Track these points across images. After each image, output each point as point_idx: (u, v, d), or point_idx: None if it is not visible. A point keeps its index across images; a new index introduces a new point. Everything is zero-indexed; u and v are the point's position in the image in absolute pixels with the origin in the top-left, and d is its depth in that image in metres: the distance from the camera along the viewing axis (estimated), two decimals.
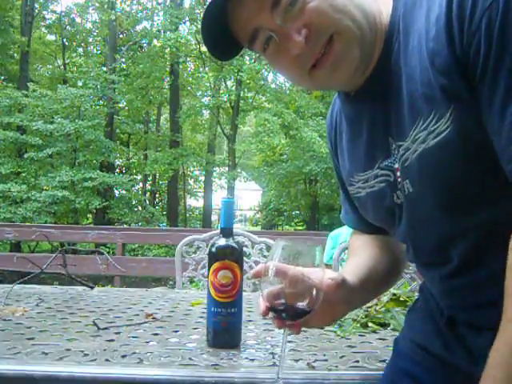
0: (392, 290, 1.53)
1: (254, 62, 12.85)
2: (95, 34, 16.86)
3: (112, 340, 1.20)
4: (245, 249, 2.34)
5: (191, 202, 19.69)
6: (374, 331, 1.36)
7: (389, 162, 0.81)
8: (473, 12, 0.62)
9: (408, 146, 0.74)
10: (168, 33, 12.73)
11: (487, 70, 0.62)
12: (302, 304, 0.80)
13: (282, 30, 0.73)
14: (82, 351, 1.10)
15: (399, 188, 0.80)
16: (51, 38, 16.93)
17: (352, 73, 0.76)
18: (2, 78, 14.25)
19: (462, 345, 0.76)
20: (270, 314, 0.82)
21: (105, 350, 1.12)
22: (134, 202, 14.13)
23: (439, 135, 0.68)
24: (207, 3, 0.74)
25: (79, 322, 1.38)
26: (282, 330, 0.84)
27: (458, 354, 0.76)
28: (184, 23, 13.64)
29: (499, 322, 0.62)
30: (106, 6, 14.31)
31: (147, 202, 16.13)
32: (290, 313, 0.80)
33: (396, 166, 0.79)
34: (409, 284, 2.36)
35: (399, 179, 0.79)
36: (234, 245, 1.20)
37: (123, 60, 15.46)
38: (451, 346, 0.79)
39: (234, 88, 14.02)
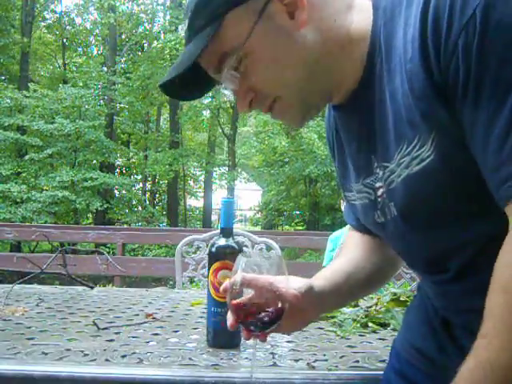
0: (392, 290, 1.54)
1: None
2: (95, 34, 16.86)
3: (112, 340, 1.20)
4: (245, 249, 2.34)
5: (191, 201, 19.69)
6: (374, 331, 1.36)
7: (370, 180, 0.79)
8: (449, 32, 0.59)
9: (393, 168, 0.72)
10: (168, 34, 12.72)
11: (467, 95, 0.59)
12: (269, 314, 0.80)
13: None
14: (82, 351, 1.10)
15: (379, 208, 0.79)
16: (51, 37, 16.92)
17: (304, 116, 0.79)
18: (3, 78, 14.25)
19: (456, 346, 0.76)
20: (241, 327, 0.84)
21: (105, 350, 1.12)
22: (134, 202, 14.14)
23: (423, 161, 0.66)
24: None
25: (79, 322, 1.38)
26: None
27: (453, 356, 0.75)
28: (184, 24, 13.63)
29: None
30: (105, 6, 14.29)
31: (147, 202, 16.13)
32: (258, 324, 0.81)
33: (377, 184, 0.78)
34: (409, 284, 2.36)
35: (379, 199, 0.78)
36: (233, 245, 1.20)
37: (123, 60, 15.46)
38: (445, 347, 0.78)
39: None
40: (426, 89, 0.63)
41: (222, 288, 0.84)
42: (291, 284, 0.83)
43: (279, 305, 0.81)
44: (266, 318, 0.80)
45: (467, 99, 0.59)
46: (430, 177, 0.66)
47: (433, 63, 0.61)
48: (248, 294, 0.82)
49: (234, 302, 0.82)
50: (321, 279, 0.91)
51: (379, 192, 0.77)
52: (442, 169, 0.65)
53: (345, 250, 1.02)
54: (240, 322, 0.82)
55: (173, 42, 12.36)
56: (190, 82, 0.78)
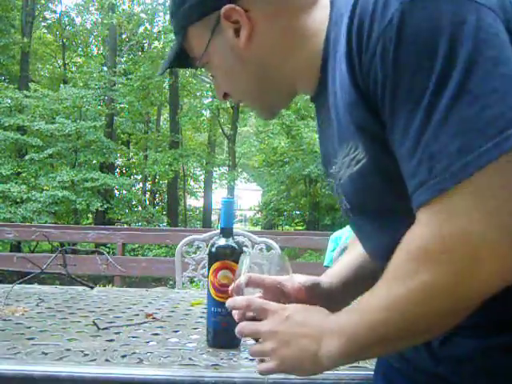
0: None
1: None
2: (95, 34, 16.87)
3: (112, 340, 1.20)
4: (245, 249, 2.34)
5: (191, 201, 19.69)
6: None
7: (332, 169, 0.81)
8: (368, 39, 0.59)
9: (340, 165, 0.74)
10: (169, 34, 12.70)
11: (385, 103, 0.60)
12: None
13: None
14: (82, 351, 1.10)
15: (339, 199, 0.81)
16: (51, 38, 16.93)
17: (269, 111, 0.87)
18: (3, 78, 14.25)
19: (426, 346, 0.75)
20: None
21: (105, 350, 1.12)
22: (134, 202, 14.14)
23: (359, 163, 0.69)
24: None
25: (79, 321, 1.38)
26: None
27: (424, 355, 0.75)
28: None
29: (463, 324, 0.62)
30: (106, 6, 14.29)
31: (147, 202, 16.13)
32: None
33: (335, 177, 0.80)
34: None
35: (337, 191, 0.80)
36: (233, 245, 1.20)
37: (123, 60, 15.46)
38: (418, 346, 0.78)
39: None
40: (352, 96, 0.64)
41: (231, 290, 0.84)
42: (296, 279, 0.84)
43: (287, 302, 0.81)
44: None
45: (385, 108, 0.60)
46: (366, 176, 0.69)
47: (357, 71, 0.62)
48: (250, 294, 0.82)
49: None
50: (328, 275, 0.92)
51: (335, 185, 0.80)
52: (375, 170, 0.66)
53: (353, 244, 1.03)
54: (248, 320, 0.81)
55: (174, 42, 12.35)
56: (183, 65, 0.89)
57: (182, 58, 0.84)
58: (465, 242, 0.53)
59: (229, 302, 0.81)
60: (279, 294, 0.82)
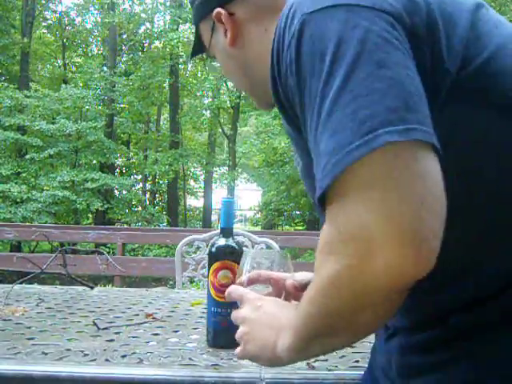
0: None
1: None
2: (95, 34, 16.87)
3: (112, 340, 1.20)
4: (245, 249, 2.33)
5: (191, 201, 19.68)
6: None
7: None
8: (283, 51, 0.63)
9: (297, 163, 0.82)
10: (170, 33, 12.69)
11: (296, 109, 0.63)
12: None
13: None
14: (82, 351, 1.10)
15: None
16: (51, 38, 16.93)
17: (267, 104, 0.90)
18: (3, 78, 14.25)
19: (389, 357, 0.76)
20: None
21: (105, 350, 1.12)
22: (134, 202, 14.14)
23: (302, 160, 0.74)
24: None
25: (79, 321, 1.38)
26: None
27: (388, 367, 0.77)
28: (186, 23, 13.62)
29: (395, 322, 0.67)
30: (106, 6, 14.29)
31: (147, 202, 16.13)
32: None
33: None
34: None
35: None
36: (233, 245, 1.20)
37: (123, 60, 15.46)
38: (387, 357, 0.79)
39: (234, 88, 14.02)
40: (280, 104, 0.68)
41: (239, 281, 0.88)
42: (297, 278, 0.87)
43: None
44: None
45: (298, 112, 0.63)
46: (305, 178, 0.76)
47: (278, 84, 0.66)
48: (257, 291, 0.85)
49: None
50: None
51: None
52: (309, 173, 0.68)
53: None
54: None
55: (175, 40, 12.34)
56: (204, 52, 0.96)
57: (201, 47, 0.92)
58: (357, 234, 0.53)
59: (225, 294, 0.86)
60: (277, 290, 0.86)
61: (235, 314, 0.81)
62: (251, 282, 0.86)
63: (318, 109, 0.57)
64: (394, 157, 0.52)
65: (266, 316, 0.75)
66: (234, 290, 0.83)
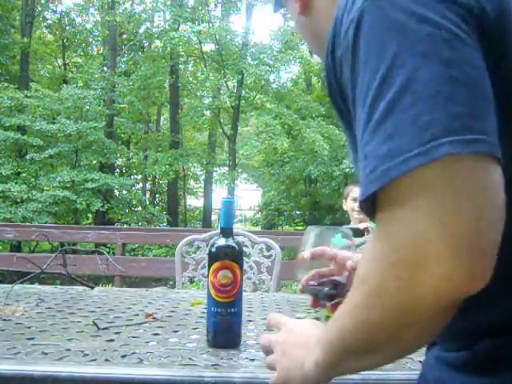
0: None
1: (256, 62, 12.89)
2: (95, 34, 16.86)
3: (112, 340, 1.20)
4: (245, 249, 2.34)
5: (191, 201, 19.68)
6: None
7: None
8: (340, 35, 0.60)
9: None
10: (172, 32, 12.69)
11: (349, 101, 0.60)
12: (336, 285, 0.90)
13: None
14: (82, 351, 1.10)
15: None
16: (51, 38, 16.93)
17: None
18: (3, 78, 14.25)
19: None
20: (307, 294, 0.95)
21: (105, 350, 1.12)
22: (134, 202, 14.13)
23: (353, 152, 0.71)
24: None
25: (79, 321, 1.38)
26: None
27: None
28: (186, 23, 13.63)
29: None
30: (106, 7, 14.29)
31: (147, 202, 16.12)
32: (327, 294, 0.91)
33: None
34: None
35: None
36: (233, 245, 1.20)
37: (123, 60, 15.46)
38: None
39: (234, 89, 14.02)
40: (333, 99, 0.65)
41: (301, 255, 0.92)
42: (355, 259, 0.90)
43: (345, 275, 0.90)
44: (333, 290, 0.89)
45: (350, 107, 0.60)
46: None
47: (332, 68, 0.63)
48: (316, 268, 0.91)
49: (316, 270, 0.91)
50: None
51: None
52: None
53: None
54: (311, 291, 0.90)
55: (176, 40, 12.34)
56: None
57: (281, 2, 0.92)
58: (409, 244, 0.50)
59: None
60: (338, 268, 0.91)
61: (267, 338, 0.79)
62: (314, 256, 0.89)
63: (371, 108, 0.53)
64: (455, 167, 0.48)
65: (297, 336, 0.73)
66: (272, 318, 0.83)
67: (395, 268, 0.51)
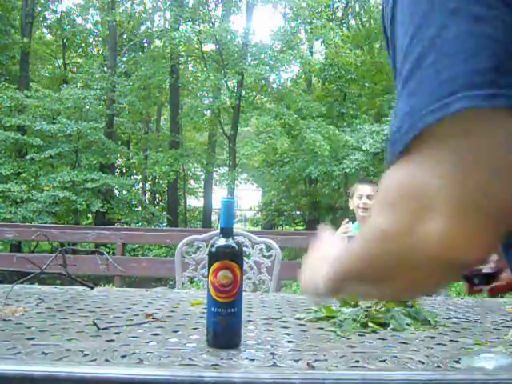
0: None
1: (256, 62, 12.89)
2: (96, 34, 16.87)
3: (112, 340, 1.20)
4: (245, 249, 2.34)
5: (191, 201, 19.69)
6: (374, 331, 1.36)
7: None
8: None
9: None
10: (173, 32, 12.68)
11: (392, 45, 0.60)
12: (491, 267, 0.89)
13: None
14: (82, 351, 1.10)
15: None
16: (51, 38, 16.93)
17: None
18: (3, 78, 14.25)
19: None
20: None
21: (105, 350, 1.12)
22: (134, 202, 14.14)
23: None
24: None
25: (79, 321, 1.38)
26: (280, 330, 0.88)
27: None
28: (186, 23, 13.63)
29: None
30: (106, 7, 14.29)
31: (147, 202, 16.12)
32: (482, 277, 0.90)
33: None
34: None
35: None
36: (233, 245, 1.20)
37: (123, 60, 15.46)
38: None
39: (235, 89, 14.02)
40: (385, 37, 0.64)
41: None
42: None
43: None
44: (489, 271, 0.89)
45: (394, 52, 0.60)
46: None
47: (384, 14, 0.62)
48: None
49: None
50: None
51: None
52: None
53: None
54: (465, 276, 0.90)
55: (177, 40, 12.34)
56: None
57: None
58: (417, 192, 0.50)
59: None
60: None
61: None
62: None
63: (402, 63, 0.53)
64: (471, 123, 0.47)
65: (322, 253, 0.81)
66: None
67: (400, 212, 0.52)
